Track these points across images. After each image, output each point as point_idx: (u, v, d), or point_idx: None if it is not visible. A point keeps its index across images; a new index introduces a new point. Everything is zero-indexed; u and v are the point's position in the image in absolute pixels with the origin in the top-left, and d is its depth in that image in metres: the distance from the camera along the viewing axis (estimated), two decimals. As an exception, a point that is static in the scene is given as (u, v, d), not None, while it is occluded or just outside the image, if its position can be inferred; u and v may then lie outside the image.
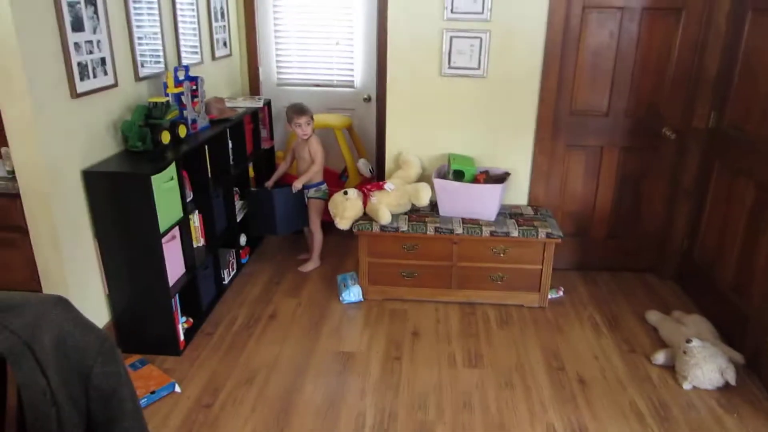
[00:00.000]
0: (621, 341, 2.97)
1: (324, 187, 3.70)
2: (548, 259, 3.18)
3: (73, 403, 1.20)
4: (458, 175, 3.24)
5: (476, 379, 2.66)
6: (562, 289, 3.45)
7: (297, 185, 3.57)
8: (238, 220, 3.61)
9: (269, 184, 3.79)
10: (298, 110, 3.53)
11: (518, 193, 3.54)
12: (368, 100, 4.44)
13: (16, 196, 2.34)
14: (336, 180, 4.10)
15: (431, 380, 2.65)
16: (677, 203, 3.48)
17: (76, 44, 2.41)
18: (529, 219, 3.25)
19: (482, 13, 3.19)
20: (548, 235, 3.10)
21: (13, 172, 2.35)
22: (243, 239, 3.78)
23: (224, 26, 4.09)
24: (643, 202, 3.57)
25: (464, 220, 3.20)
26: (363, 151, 4.35)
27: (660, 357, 2.77)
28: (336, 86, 4.45)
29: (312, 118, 3.58)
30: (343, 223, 3.22)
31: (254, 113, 3.90)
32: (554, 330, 3.07)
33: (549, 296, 3.33)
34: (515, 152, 3.46)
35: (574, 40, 3.25)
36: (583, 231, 3.67)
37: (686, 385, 2.60)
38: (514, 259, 3.20)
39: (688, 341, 2.61)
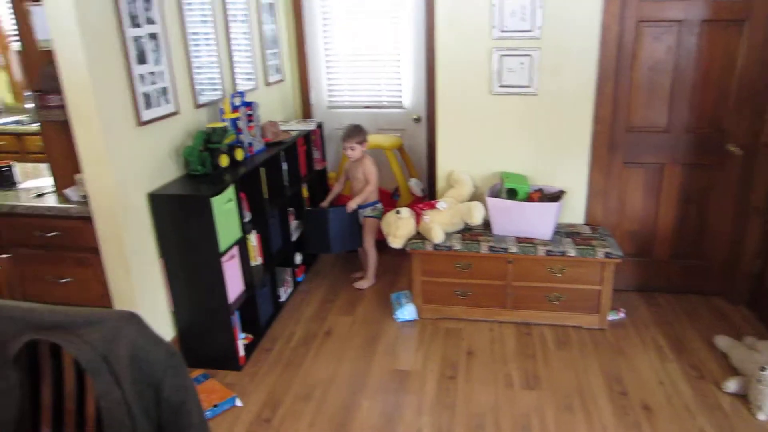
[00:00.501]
0: (688, 367, 2.85)
1: (379, 206, 3.75)
2: (607, 280, 3.10)
3: (146, 413, 1.25)
4: (511, 194, 3.22)
5: (534, 402, 2.60)
6: (623, 310, 3.35)
7: (352, 205, 3.63)
8: (293, 240, 3.69)
9: (324, 204, 3.86)
10: (345, 134, 3.62)
11: (574, 211, 3.48)
12: (418, 120, 4.48)
13: (89, 219, 2.48)
14: (388, 200, 4.14)
15: (488, 401, 2.61)
16: (746, 222, 3.33)
17: (141, 76, 2.54)
18: (587, 238, 3.19)
19: (531, 31, 3.18)
20: (607, 255, 3.03)
21: (86, 196, 2.49)
22: (298, 258, 3.86)
23: (276, 53, 4.23)
24: (708, 221, 3.44)
25: (519, 239, 3.17)
26: (414, 171, 4.37)
27: (731, 385, 2.64)
28: (386, 107, 4.51)
29: (361, 141, 3.62)
30: (396, 242, 3.24)
31: (307, 135, 3.99)
32: (615, 353, 2.98)
33: (609, 318, 3.23)
34: (570, 170, 3.41)
35: (629, 56, 3.20)
36: (645, 251, 3.56)
37: (761, 416, 2.46)
38: (571, 279, 3.13)
39: (763, 369, 2.47)
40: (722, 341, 2.96)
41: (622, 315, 3.31)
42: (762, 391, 2.45)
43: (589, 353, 2.97)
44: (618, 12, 3.09)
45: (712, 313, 3.36)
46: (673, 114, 3.27)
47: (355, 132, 3.62)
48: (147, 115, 2.60)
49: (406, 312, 3.31)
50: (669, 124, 3.30)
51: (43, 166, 3.11)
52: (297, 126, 4.05)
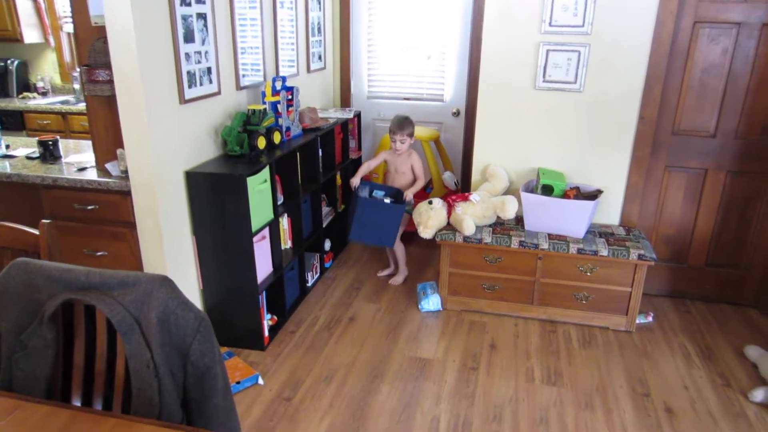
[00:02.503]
0: (715, 374, 2.79)
1: (411, 200, 3.68)
2: (639, 282, 3.05)
3: (173, 376, 1.30)
4: (547, 190, 3.19)
5: (554, 397, 2.59)
6: (652, 314, 3.30)
7: (409, 195, 3.49)
8: (323, 226, 3.73)
9: (355, 181, 3.62)
10: (396, 125, 3.48)
11: (609, 212, 3.43)
12: (457, 114, 4.47)
13: (128, 194, 2.55)
14: (421, 192, 4.14)
15: (507, 393, 2.61)
16: (788, 233, 3.24)
17: (187, 54, 2.60)
18: (621, 239, 3.14)
19: (582, 26, 3.13)
20: (640, 257, 2.98)
21: (126, 171, 2.57)
22: (327, 244, 3.90)
23: (320, 41, 4.27)
24: (750, 230, 3.35)
25: (551, 236, 3.14)
26: (449, 164, 4.37)
27: (759, 394, 2.58)
28: (425, 99, 4.51)
29: (411, 134, 3.51)
30: (426, 232, 3.25)
31: (344, 124, 4.02)
32: (641, 355, 2.94)
33: (637, 321, 3.19)
34: (609, 170, 3.36)
35: (682, 57, 3.13)
36: (679, 257, 3.49)
37: (788, 425, 2.41)
38: (601, 279, 3.10)
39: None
40: (753, 351, 2.89)
41: (650, 319, 3.26)
42: (792, 404, 2.39)
43: (614, 354, 2.94)
44: (675, 10, 3.01)
45: (745, 323, 3.27)
46: (723, 119, 3.19)
47: (407, 123, 3.49)
48: (190, 93, 2.65)
49: (431, 302, 3.32)
50: (717, 129, 3.21)
51: (86, 143, 3.21)
52: (335, 114, 4.09)
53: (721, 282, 3.47)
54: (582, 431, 2.38)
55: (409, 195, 3.49)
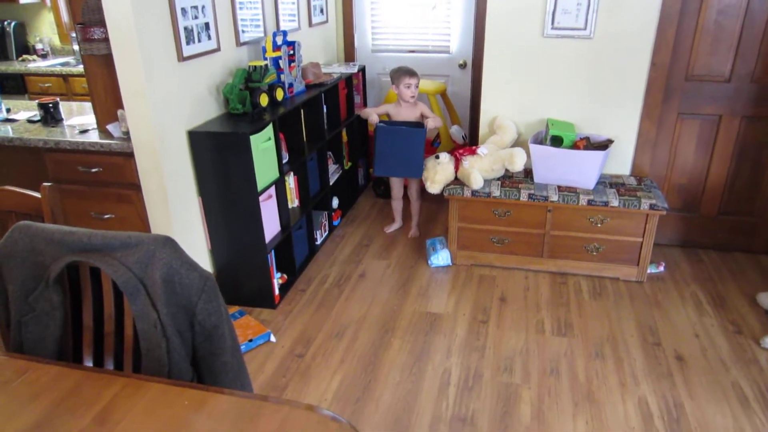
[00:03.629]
0: (727, 322, 2.78)
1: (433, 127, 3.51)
2: (650, 232, 3.02)
3: (180, 335, 1.30)
4: (556, 141, 3.13)
5: (565, 348, 2.60)
6: (663, 264, 3.27)
7: (430, 123, 3.36)
8: (330, 184, 3.70)
9: (373, 118, 3.45)
10: (409, 71, 3.40)
11: (621, 162, 3.37)
12: (463, 66, 4.36)
13: (131, 155, 2.53)
14: (428, 146, 4.09)
15: (518, 345, 2.62)
16: (802, 177, 3.17)
17: (183, 9, 2.53)
18: (632, 189, 3.09)
19: (590, -33, 3.01)
20: (652, 207, 2.93)
21: (127, 133, 2.53)
22: (335, 202, 3.88)
23: (321, -8, 4.15)
24: (764, 177, 3.28)
25: (560, 188, 3.10)
26: (456, 118, 4.29)
27: (771, 340, 2.58)
28: (431, 52, 4.40)
29: (418, 84, 3.45)
30: (434, 187, 3.22)
31: (348, 79, 3.94)
32: (652, 305, 2.93)
33: (648, 271, 3.17)
34: (620, 119, 3.28)
35: (697, -3, 3.00)
36: (691, 206, 3.44)
37: (800, 371, 2.41)
38: (612, 230, 3.06)
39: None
40: (765, 298, 2.88)
41: (662, 269, 3.24)
42: (804, 349, 2.38)
43: (625, 304, 2.93)
44: (686, -52, 2.88)
45: (758, 270, 3.25)
46: (739, 62, 3.08)
47: (414, 71, 3.43)
48: (188, 50, 2.59)
49: (441, 258, 3.32)
50: (732, 73, 3.11)
51: (88, 106, 3.17)
52: (339, 69, 4.00)
53: (733, 230, 3.43)
54: (592, 380, 2.39)
55: (430, 123, 3.37)
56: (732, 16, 3.00)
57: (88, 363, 1.37)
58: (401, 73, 3.42)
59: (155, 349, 1.28)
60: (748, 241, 3.43)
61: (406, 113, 3.52)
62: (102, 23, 2.37)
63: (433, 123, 3.40)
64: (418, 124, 3.40)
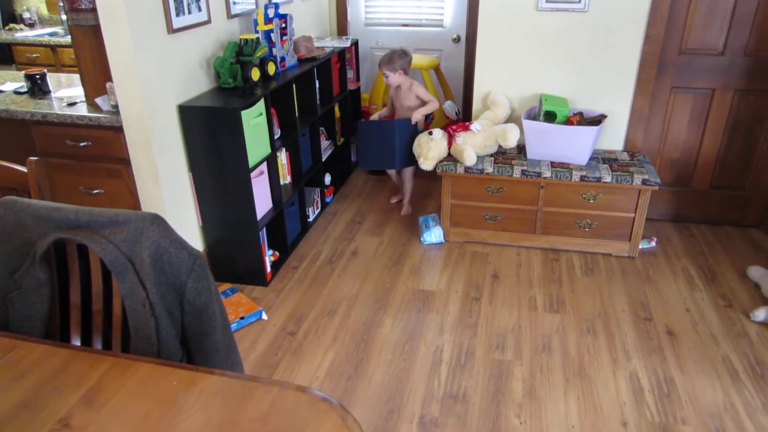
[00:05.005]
0: (717, 296, 2.80)
1: (420, 120, 3.53)
2: (642, 208, 3.02)
3: (170, 314, 1.28)
4: (550, 117, 3.11)
5: (557, 324, 2.61)
6: (655, 239, 3.28)
7: (417, 116, 3.40)
8: (323, 160, 3.67)
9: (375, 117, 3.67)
10: (383, 61, 3.39)
11: (614, 137, 3.35)
12: (457, 40, 4.31)
13: (120, 129, 2.48)
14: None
15: (510, 322, 2.63)
16: (795, 152, 3.17)
17: (172, -21, 2.47)
18: (624, 164, 3.08)
19: (584, -61, 2.95)
20: (644, 182, 2.93)
21: (116, 106, 2.49)
22: (328, 179, 3.85)
23: (313, -37, 4.06)
24: (756, 151, 3.28)
25: (553, 164, 3.08)
26: (450, 93, 4.25)
27: (761, 314, 2.59)
28: (425, 26, 4.34)
29: (403, 69, 3.40)
30: (426, 164, 3.19)
31: (341, 53, 3.88)
32: (644, 280, 2.94)
33: (640, 246, 3.18)
34: (613, 94, 3.25)
35: (690, -32, 2.96)
36: (683, 180, 3.44)
37: (789, 345, 2.43)
38: (605, 206, 3.06)
39: (795, 299, 2.42)
40: (755, 271, 2.90)
41: (653, 244, 3.25)
42: (793, 324, 2.41)
43: (617, 280, 2.94)
44: None
45: (748, 244, 3.26)
46: (733, 35, 3.05)
47: (396, 57, 3.37)
48: (178, 22, 2.53)
49: (434, 235, 3.31)
50: (726, 47, 3.09)
51: (77, 78, 3.11)
52: (331, 43, 3.93)
53: (725, 204, 3.44)
54: (584, 356, 2.41)
55: (416, 115, 3.39)
56: (728, -12, 2.97)
57: (76, 342, 1.36)
58: (380, 63, 3.43)
59: (144, 329, 1.27)
60: (740, 215, 3.44)
61: (403, 97, 3.51)
62: (88, -7, 2.30)
63: (417, 116, 3.39)
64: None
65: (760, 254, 3.16)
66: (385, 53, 3.45)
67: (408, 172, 3.62)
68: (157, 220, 1.27)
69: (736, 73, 3.12)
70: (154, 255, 1.25)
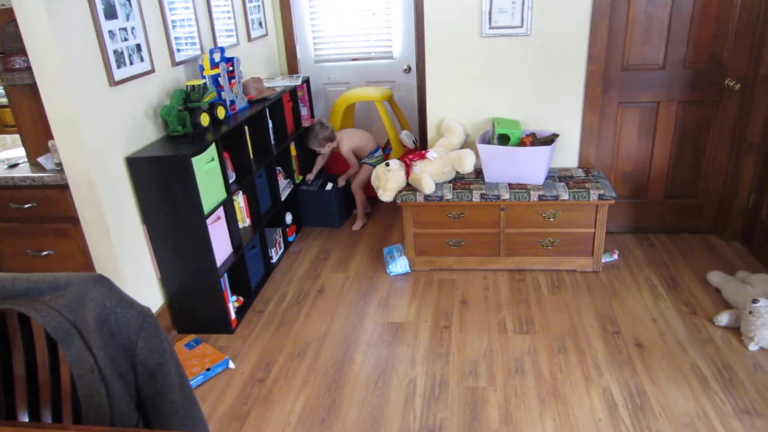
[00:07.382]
0: (681, 304, 2.84)
1: (378, 153, 3.97)
2: (601, 222, 3.06)
3: (121, 378, 1.22)
4: (503, 140, 3.15)
5: (527, 345, 2.60)
6: (617, 252, 3.32)
7: (341, 182, 3.96)
8: (282, 199, 3.63)
9: (310, 177, 4.04)
10: (308, 141, 3.83)
11: (568, 155, 3.41)
12: (408, 70, 4.36)
13: (66, 187, 2.41)
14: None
15: (481, 347, 2.61)
16: (742, 159, 3.27)
17: (110, 32, 2.43)
18: (580, 181, 3.13)
19: (520, -33, 3.04)
20: (600, 197, 2.98)
21: (60, 164, 2.42)
22: (289, 218, 3.81)
23: (259, 6, 4.08)
24: (704, 159, 3.38)
25: (511, 186, 3.12)
26: (405, 123, 4.28)
27: (723, 318, 2.63)
28: (374, 58, 4.38)
29: (325, 141, 3.79)
30: (386, 195, 3.19)
31: (293, 91, 3.89)
32: (609, 294, 2.96)
33: (603, 260, 3.21)
34: (563, 113, 3.32)
35: (624, -11, 3.07)
36: (639, 192, 3.51)
37: (752, 347, 2.46)
38: (565, 223, 3.09)
39: (755, 301, 2.47)
40: (715, 277, 2.95)
41: (615, 257, 3.29)
42: (753, 322, 2.45)
43: (583, 295, 2.96)
44: (610, -57, 2.95)
45: (706, 250, 3.34)
46: (671, 50, 3.16)
47: (317, 134, 3.77)
48: (120, 74, 2.50)
49: (399, 265, 3.29)
50: (665, 61, 3.19)
51: (19, 138, 3.02)
52: (282, 82, 3.94)
53: (680, 212, 3.52)
54: (557, 375, 2.39)
55: (341, 181, 3.96)
56: (660, 5, 3.08)
57: (24, 418, 1.28)
58: (308, 143, 3.87)
59: (95, 395, 1.21)
60: (695, 222, 3.52)
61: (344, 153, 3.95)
62: (24, 51, 2.25)
63: (341, 182, 3.98)
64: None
65: (718, 259, 3.23)
66: (307, 133, 3.84)
67: (356, 182, 3.91)
68: (101, 281, 1.22)
69: (678, 86, 3.23)
70: (99, 317, 1.20)
